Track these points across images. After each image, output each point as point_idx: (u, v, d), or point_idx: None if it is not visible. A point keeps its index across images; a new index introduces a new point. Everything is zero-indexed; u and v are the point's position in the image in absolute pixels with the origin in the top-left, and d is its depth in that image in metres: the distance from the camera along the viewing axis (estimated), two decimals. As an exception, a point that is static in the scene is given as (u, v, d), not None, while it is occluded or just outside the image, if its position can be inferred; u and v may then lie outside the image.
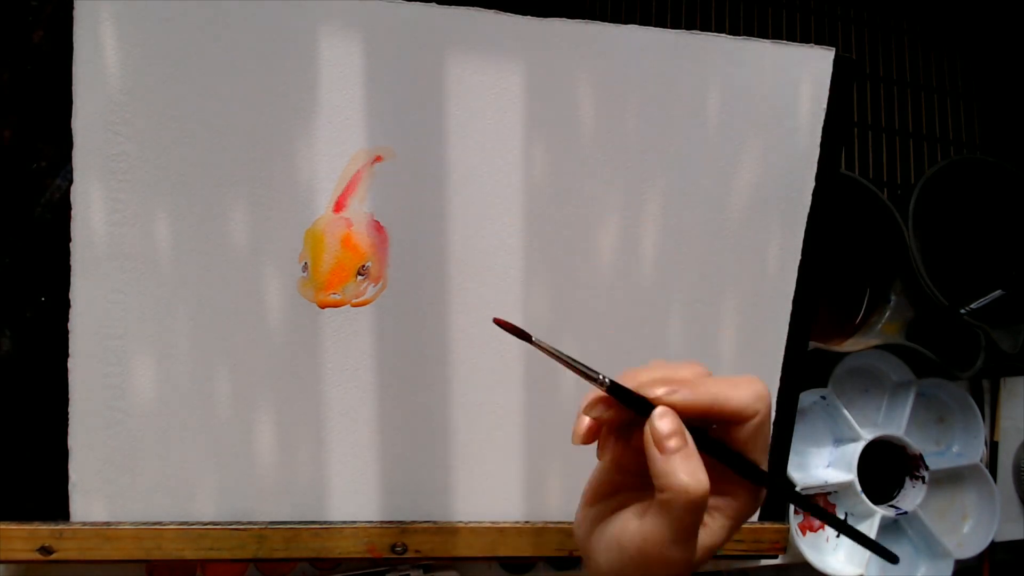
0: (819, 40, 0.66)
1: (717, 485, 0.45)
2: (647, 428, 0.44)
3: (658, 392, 0.44)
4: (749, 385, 0.45)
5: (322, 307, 0.63)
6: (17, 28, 0.57)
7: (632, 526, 0.45)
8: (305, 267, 0.62)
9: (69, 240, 0.60)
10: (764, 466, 0.46)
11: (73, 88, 0.58)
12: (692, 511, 0.43)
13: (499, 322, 0.46)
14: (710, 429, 0.46)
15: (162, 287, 0.61)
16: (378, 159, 0.62)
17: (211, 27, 0.59)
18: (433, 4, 0.62)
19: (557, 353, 0.44)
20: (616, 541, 0.46)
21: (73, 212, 0.59)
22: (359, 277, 0.63)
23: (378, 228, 0.63)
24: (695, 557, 0.45)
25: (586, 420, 0.46)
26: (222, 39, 0.59)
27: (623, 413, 0.45)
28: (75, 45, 0.58)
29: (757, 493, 0.47)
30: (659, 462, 0.43)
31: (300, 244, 0.62)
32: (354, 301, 0.63)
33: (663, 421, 0.44)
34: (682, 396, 0.44)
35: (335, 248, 0.62)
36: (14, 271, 0.60)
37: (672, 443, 0.43)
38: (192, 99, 0.60)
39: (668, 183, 0.67)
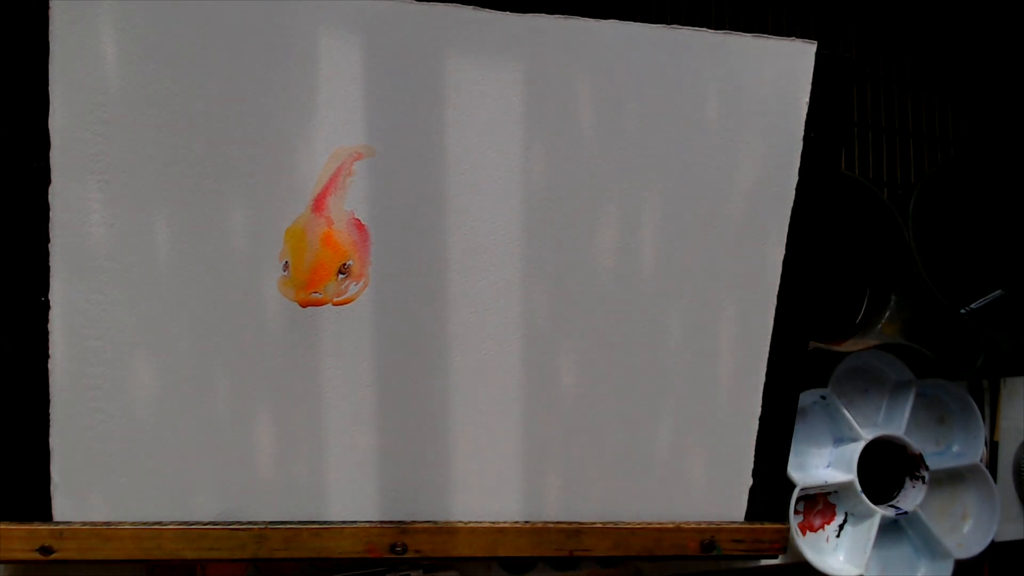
0: (820, 40, 0.63)
1: None
2: None
3: None
4: None
5: (303, 306, 0.61)
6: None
7: None
8: (286, 266, 0.61)
9: (48, 241, 0.59)
10: None
11: (49, 88, 0.57)
12: None
13: None
14: None
15: (143, 287, 0.60)
16: (358, 157, 0.61)
17: (188, 27, 0.58)
18: (421, 1, 0.60)
19: None
20: None
21: (51, 213, 0.58)
22: (340, 276, 0.61)
23: (359, 226, 0.61)
24: None
25: None
26: (200, 39, 0.58)
27: None
28: (51, 45, 0.57)
29: None
30: None
31: (281, 243, 0.61)
32: (336, 300, 0.62)
33: None
34: None
35: (315, 247, 0.61)
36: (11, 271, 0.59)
37: None
38: (171, 100, 0.58)
39: (662, 179, 0.65)
